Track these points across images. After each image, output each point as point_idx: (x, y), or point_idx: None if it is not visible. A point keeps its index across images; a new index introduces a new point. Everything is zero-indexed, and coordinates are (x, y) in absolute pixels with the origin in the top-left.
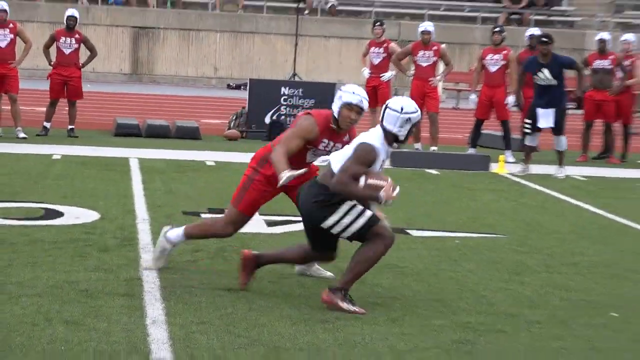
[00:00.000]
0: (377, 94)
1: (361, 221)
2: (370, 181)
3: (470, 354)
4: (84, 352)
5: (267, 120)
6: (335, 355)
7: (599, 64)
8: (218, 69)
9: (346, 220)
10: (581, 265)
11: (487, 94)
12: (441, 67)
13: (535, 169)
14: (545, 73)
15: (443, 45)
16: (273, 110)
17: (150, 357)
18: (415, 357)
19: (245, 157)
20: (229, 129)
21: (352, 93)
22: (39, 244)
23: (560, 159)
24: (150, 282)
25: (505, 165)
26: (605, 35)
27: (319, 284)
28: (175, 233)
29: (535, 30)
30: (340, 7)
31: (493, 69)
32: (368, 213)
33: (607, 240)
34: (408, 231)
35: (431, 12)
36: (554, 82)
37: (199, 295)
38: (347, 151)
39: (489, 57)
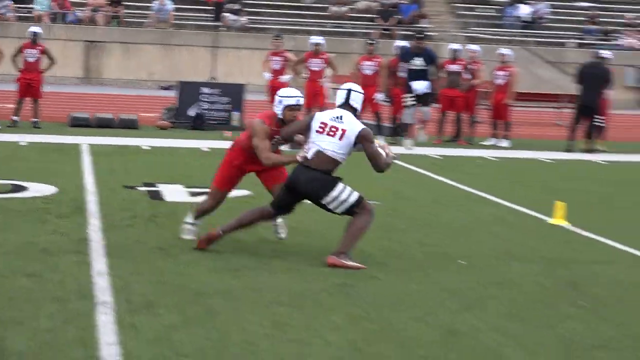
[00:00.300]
0: (276, 92)
1: (353, 198)
2: (387, 149)
3: (349, 295)
4: (43, 298)
5: (192, 113)
6: (244, 297)
7: (452, 68)
8: (153, 73)
9: (343, 196)
10: (437, 225)
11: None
12: (328, 71)
13: (403, 150)
14: (418, 61)
15: (330, 54)
16: (196, 106)
17: (95, 301)
18: (306, 297)
19: (174, 143)
20: (162, 120)
21: (289, 97)
22: (7, 213)
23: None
24: (96, 241)
25: None
26: (456, 45)
27: (232, 241)
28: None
29: (403, 43)
30: (249, 25)
31: (368, 72)
32: (356, 193)
33: (458, 205)
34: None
35: (320, 28)
36: (425, 67)
37: (135, 252)
38: (336, 140)
39: (364, 63)
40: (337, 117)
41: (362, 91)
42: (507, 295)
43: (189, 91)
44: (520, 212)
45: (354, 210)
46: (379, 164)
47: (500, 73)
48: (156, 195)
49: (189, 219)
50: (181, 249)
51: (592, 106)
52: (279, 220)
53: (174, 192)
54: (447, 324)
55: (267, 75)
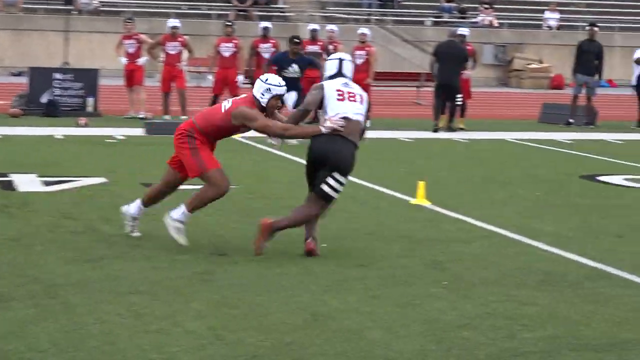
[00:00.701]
0: (134, 76)
1: (338, 196)
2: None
3: (209, 281)
4: None
5: (44, 100)
6: (101, 287)
7: (311, 48)
8: (3, 59)
9: (342, 189)
10: None
11: (222, 74)
12: (185, 54)
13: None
14: (295, 67)
15: (186, 37)
16: (48, 92)
17: None
18: (164, 286)
19: (26, 131)
20: (13, 107)
21: (280, 86)
22: None
23: None
24: None
25: None
26: (315, 26)
27: (85, 231)
28: (179, 212)
29: (267, 24)
30: (102, 8)
31: (226, 54)
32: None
33: None
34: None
35: (175, 10)
36: (300, 75)
37: None
38: (360, 106)
39: (222, 45)
40: (346, 84)
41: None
42: (369, 276)
43: (40, 77)
44: (382, 193)
45: (324, 200)
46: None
47: (360, 53)
48: (8, 186)
49: (179, 215)
50: (35, 239)
51: (451, 85)
52: (135, 214)
53: (27, 182)
54: (310, 307)
55: (123, 60)
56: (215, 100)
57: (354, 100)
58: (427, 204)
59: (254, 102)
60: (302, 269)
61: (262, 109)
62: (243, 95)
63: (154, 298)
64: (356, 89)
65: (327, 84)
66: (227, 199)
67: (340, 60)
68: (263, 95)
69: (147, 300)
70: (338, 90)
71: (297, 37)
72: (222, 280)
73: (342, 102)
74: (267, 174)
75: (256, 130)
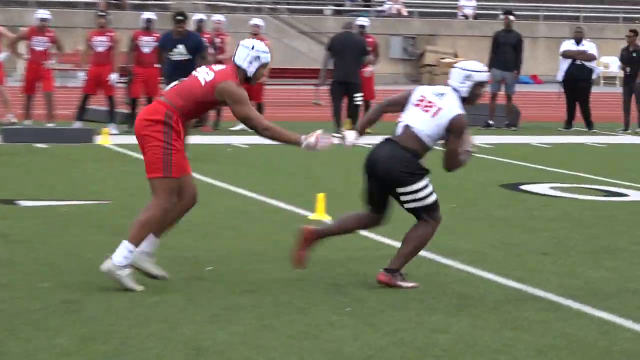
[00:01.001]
0: None
1: (430, 200)
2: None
3: (76, 313)
4: None
5: None
6: None
7: None
8: None
9: (420, 195)
10: (180, 226)
11: (95, 72)
12: (53, 51)
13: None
14: (181, 48)
15: (55, 31)
16: None
17: None
18: (23, 319)
19: None
20: None
21: (267, 52)
22: None
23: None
24: None
25: (109, 137)
26: (201, 16)
27: None
28: (121, 253)
29: (151, 15)
30: None
31: (100, 49)
32: (435, 195)
33: (201, 201)
34: (17, 202)
35: None
36: (189, 56)
37: None
38: (428, 118)
39: (95, 39)
40: (439, 94)
41: (464, 68)
42: (260, 303)
43: None
44: (277, 207)
45: (422, 214)
46: (454, 163)
47: None
48: None
49: (123, 258)
50: None
51: (349, 82)
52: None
53: None
54: (193, 340)
55: None
56: (85, 100)
57: (426, 111)
58: (327, 219)
59: (237, 74)
60: (183, 297)
61: (246, 79)
62: (221, 67)
63: (10, 333)
64: (443, 102)
65: (421, 87)
66: (97, 217)
67: (453, 67)
68: (251, 63)
69: (2, 336)
70: (421, 96)
71: (182, 14)
72: (90, 311)
73: (414, 108)
74: (143, 187)
75: (235, 115)
